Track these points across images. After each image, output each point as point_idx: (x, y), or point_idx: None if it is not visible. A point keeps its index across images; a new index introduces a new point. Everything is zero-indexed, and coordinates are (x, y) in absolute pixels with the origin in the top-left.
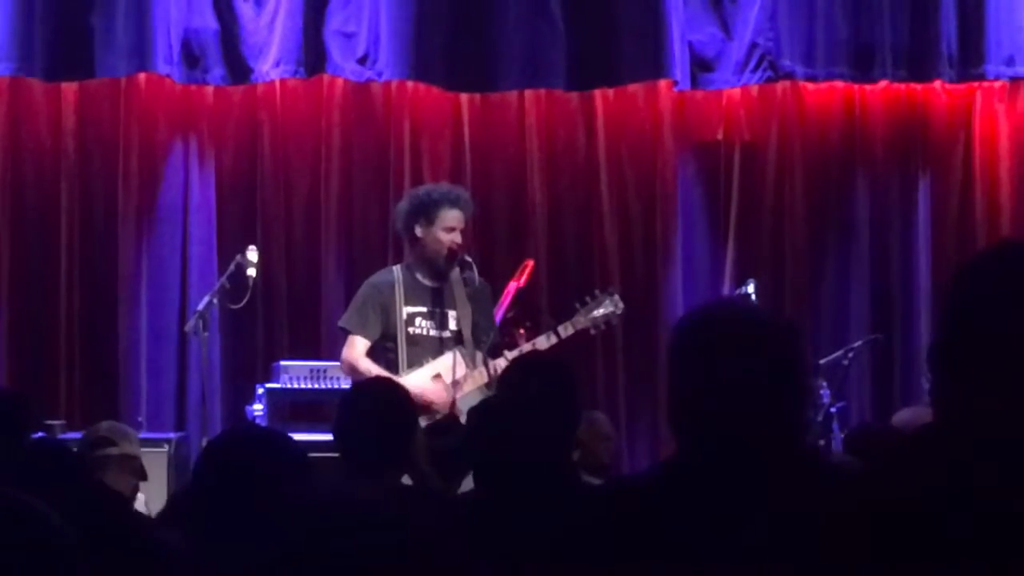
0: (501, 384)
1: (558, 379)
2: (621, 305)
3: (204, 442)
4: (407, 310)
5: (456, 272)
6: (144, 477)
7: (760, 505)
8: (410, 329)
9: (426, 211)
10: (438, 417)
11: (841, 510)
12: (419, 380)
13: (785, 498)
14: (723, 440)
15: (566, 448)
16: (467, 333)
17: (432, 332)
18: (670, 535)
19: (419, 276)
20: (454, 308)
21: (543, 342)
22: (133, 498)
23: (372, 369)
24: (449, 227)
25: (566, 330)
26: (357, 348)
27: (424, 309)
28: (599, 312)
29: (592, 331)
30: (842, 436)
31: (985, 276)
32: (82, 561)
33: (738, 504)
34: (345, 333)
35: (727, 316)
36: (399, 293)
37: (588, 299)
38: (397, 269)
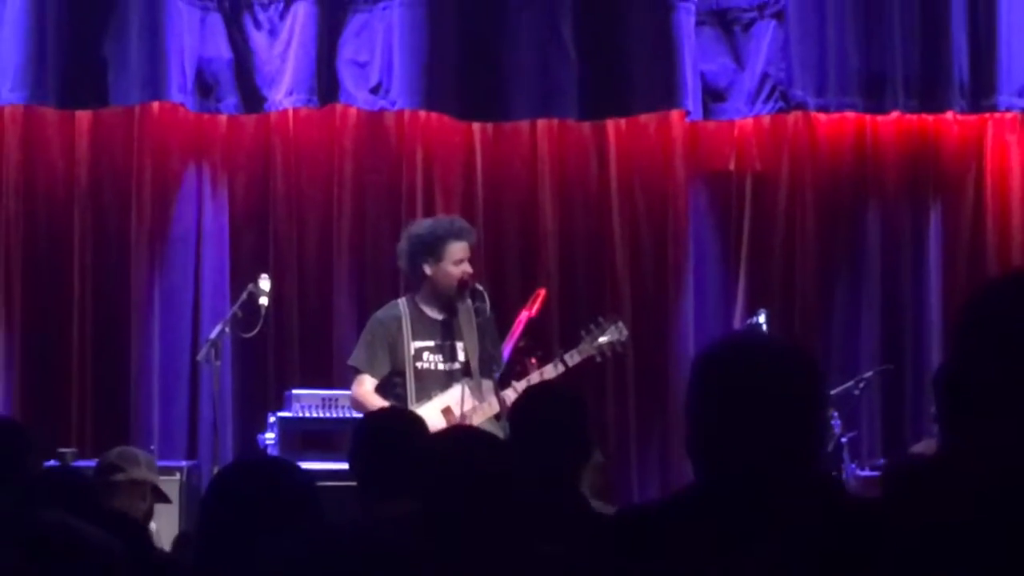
0: (512, 414)
1: (569, 408)
2: (626, 332)
3: (215, 470)
4: (415, 345)
5: (467, 302)
6: (163, 499)
7: (777, 535)
8: (418, 364)
9: (432, 248)
10: None
11: (855, 540)
12: (428, 415)
13: (801, 528)
14: (741, 470)
15: (576, 477)
16: (475, 364)
17: (440, 366)
18: (685, 563)
19: (426, 309)
20: (461, 340)
21: (550, 371)
22: (147, 521)
23: (380, 402)
24: (458, 259)
25: (572, 359)
26: (366, 386)
27: (432, 343)
28: (604, 339)
29: (598, 359)
30: (854, 467)
31: (994, 306)
32: None
33: (755, 533)
34: (354, 371)
35: (746, 348)
36: (406, 328)
37: (592, 327)
38: (403, 303)
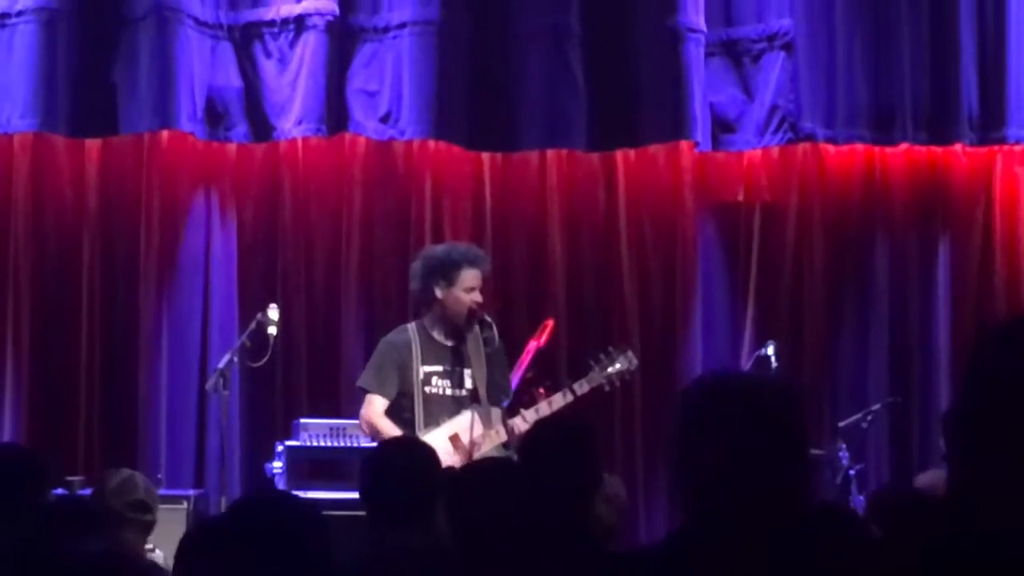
0: (523, 446)
1: (578, 441)
2: (635, 361)
3: (223, 500)
4: (424, 369)
5: (475, 330)
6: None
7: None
8: (427, 388)
9: (446, 272)
10: None
11: None
12: (436, 441)
13: (792, 568)
14: (729, 511)
15: (585, 510)
16: (483, 391)
17: (448, 391)
18: None
19: (435, 335)
20: (470, 367)
21: (559, 400)
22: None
23: (391, 428)
24: (470, 287)
25: (581, 388)
26: (375, 407)
27: (440, 368)
28: (613, 369)
29: (607, 388)
30: (862, 499)
31: (1005, 350)
32: None
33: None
34: (363, 392)
35: (727, 387)
36: (416, 352)
37: (602, 356)
38: (412, 327)
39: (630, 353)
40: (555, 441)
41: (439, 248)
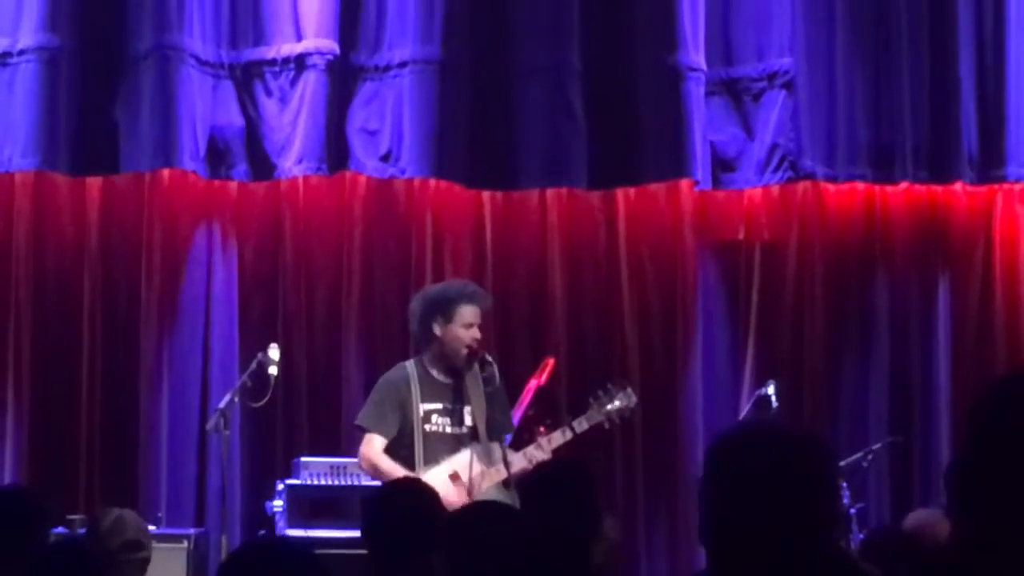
0: (523, 488)
1: (577, 482)
2: (634, 398)
3: (223, 539)
4: (423, 407)
5: (475, 369)
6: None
7: None
8: (426, 426)
9: (443, 309)
10: None
11: None
12: (436, 479)
13: None
14: (754, 560)
15: (586, 550)
16: (482, 428)
17: (448, 429)
18: None
19: (434, 372)
20: (469, 404)
21: (559, 438)
22: None
23: (392, 467)
24: (468, 323)
25: (580, 425)
26: (375, 446)
27: (440, 406)
28: (613, 406)
29: (606, 425)
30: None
31: (1008, 404)
32: None
33: None
34: (362, 431)
35: (759, 437)
36: (415, 390)
37: (601, 393)
38: (410, 365)
39: (629, 390)
40: (555, 483)
41: (437, 286)
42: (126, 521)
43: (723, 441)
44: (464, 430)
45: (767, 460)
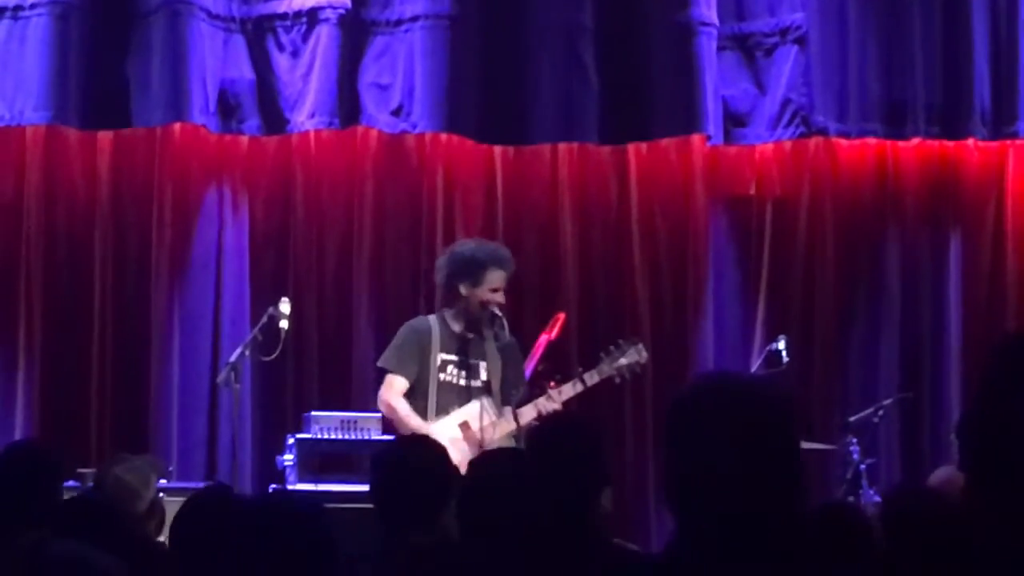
0: (530, 441)
1: (584, 438)
2: (645, 354)
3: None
4: (441, 356)
5: (490, 328)
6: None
7: None
8: (442, 375)
9: (472, 271)
10: None
11: None
12: (447, 427)
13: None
14: (718, 518)
15: (592, 508)
16: (496, 385)
17: (463, 381)
18: None
19: (454, 328)
20: (485, 360)
21: (569, 390)
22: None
23: (408, 411)
24: (494, 288)
25: (592, 378)
26: (395, 387)
27: (456, 358)
28: (624, 361)
29: (617, 380)
30: (878, 498)
31: (1018, 360)
32: None
33: None
34: (383, 373)
35: (718, 392)
36: (435, 340)
37: (613, 348)
38: (433, 319)
39: (640, 346)
40: (559, 437)
41: (468, 245)
42: (122, 479)
43: (682, 398)
44: (478, 383)
45: (726, 415)
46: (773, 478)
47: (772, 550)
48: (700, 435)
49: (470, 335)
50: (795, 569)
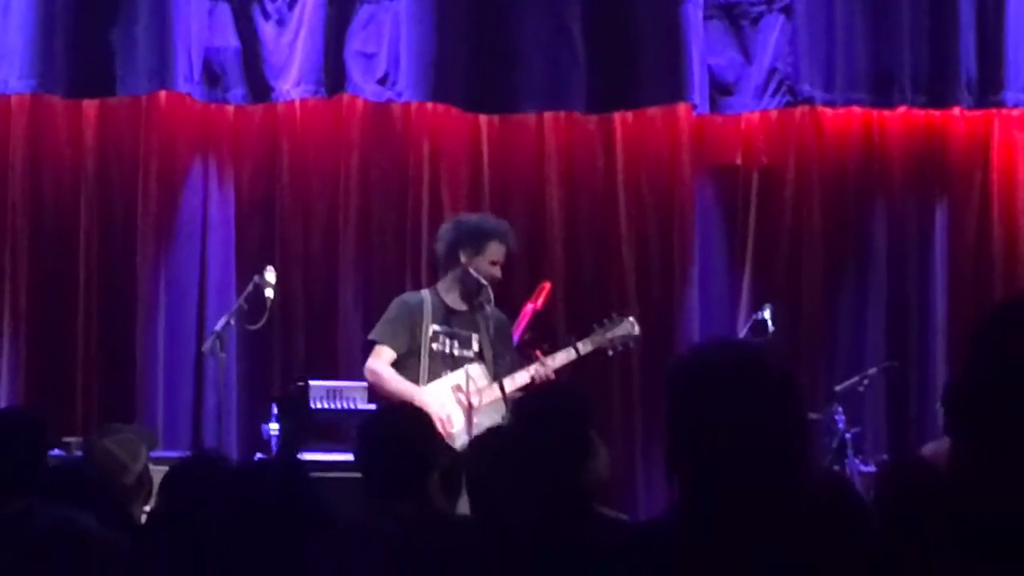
0: (514, 410)
1: (571, 405)
2: (638, 329)
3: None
4: (433, 327)
5: (484, 301)
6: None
7: (763, 551)
8: (434, 345)
9: (475, 240)
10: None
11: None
12: (439, 391)
13: (789, 543)
14: (722, 485)
15: (578, 475)
16: (488, 356)
17: (456, 351)
18: None
19: (448, 300)
20: (477, 332)
21: (562, 357)
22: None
23: (394, 378)
24: (494, 260)
25: (585, 347)
26: (383, 356)
27: (449, 329)
28: (616, 333)
29: (609, 352)
30: (863, 467)
31: (1006, 328)
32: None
33: (744, 550)
34: (373, 344)
35: (721, 358)
36: (427, 312)
37: (606, 320)
38: (426, 292)
39: (632, 319)
40: (545, 404)
41: (474, 216)
42: (111, 451)
43: (684, 364)
44: (469, 354)
45: (731, 382)
46: (778, 448)
47: (773, 520)
48: (702, 401)
49: (463, 307)
50: (794, 539)
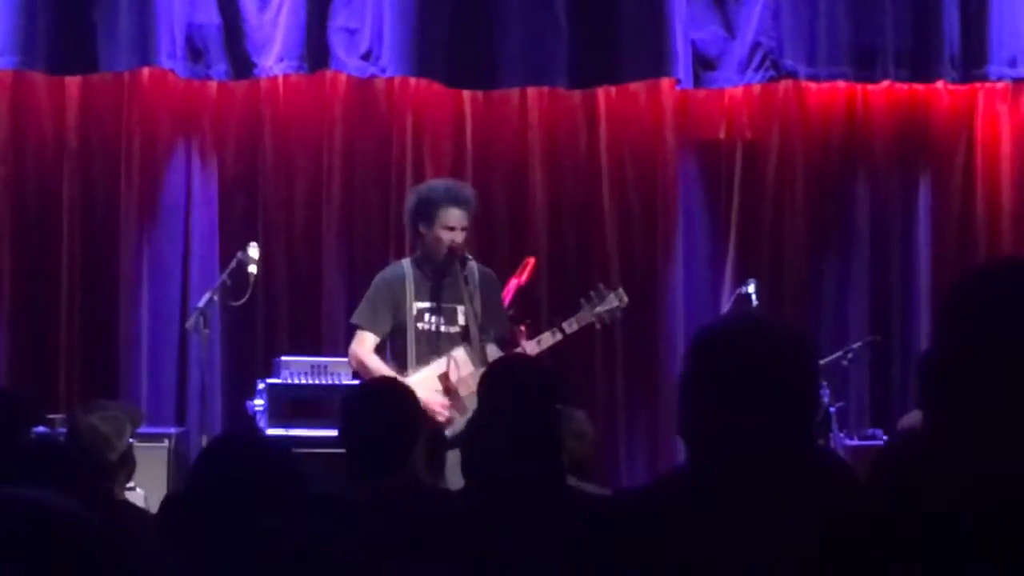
0: (479, 389)
1: (535, 380)
2: (626, 299)
3: (204, 438)
4: (417, 305)
5: (457, 269)
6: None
7: (771, 520)
8: (419, 324)
9: (427, 210)
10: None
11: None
12: (426, 379)
13: (795, 512)
14: (734, 454)
15: (551, 449)
16: (474, 329)
17: (442, 328)
18: (680, 551)
19: (427, 271)
20: (461, 303)
21: (548, 339)
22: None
23: (379, 366)
24: (449, 226)
25: (571, 327)
26: (366, 344)
27: (433, 304)
28: (603, 307)
29: (597, 326)
30: (848, 440)
31: (981, 294)
32: (103, 556)
33: (749, 519)
34: (355, 328)
35: (741, 332)
36: (409, 288)
37: (592, 294)
38: (407, 263)
39: (620, 291)
40: (507, 377)
41: (427, 184)
42: (96, 427)
43: (707, 336)
44: (456, 329)
45: (753, 356)
46: (790, 422)
47: (781, 485)
48: (724, 374)
49: (444, 279)
50: (801, 505)
